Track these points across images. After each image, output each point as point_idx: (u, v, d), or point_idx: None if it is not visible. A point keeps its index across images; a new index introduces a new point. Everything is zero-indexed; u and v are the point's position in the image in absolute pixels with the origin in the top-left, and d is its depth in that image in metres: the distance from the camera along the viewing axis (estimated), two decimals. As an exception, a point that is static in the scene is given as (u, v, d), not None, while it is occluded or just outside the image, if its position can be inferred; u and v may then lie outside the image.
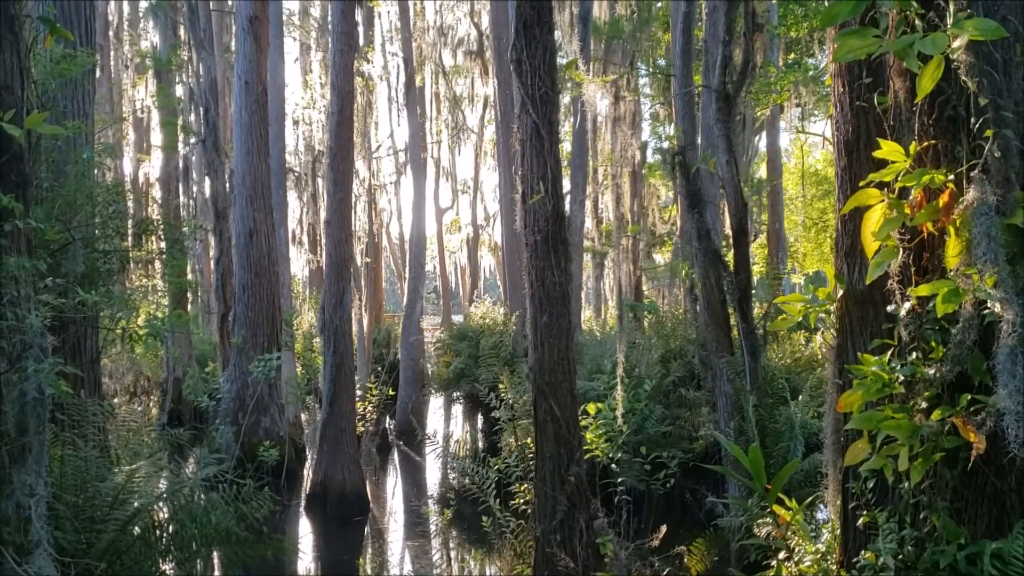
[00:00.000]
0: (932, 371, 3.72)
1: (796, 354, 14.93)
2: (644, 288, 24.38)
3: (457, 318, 28.83)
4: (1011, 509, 3.73)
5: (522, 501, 8.14)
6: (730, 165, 8.87)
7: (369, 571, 10.33)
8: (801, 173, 30.08)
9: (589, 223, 24.86)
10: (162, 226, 9.48)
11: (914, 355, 3.85)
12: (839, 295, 4.75)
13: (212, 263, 18.93)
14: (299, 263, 30.03)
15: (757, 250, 24.44)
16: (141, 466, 5.96)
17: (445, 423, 23.75)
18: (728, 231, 12.83)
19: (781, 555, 5.24)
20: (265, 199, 15.58)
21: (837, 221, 4.86)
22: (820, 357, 12.75)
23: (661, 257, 27.15)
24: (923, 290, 3.65)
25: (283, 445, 14.22)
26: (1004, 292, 3.35)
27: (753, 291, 10.06)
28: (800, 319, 4.98)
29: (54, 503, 5.08)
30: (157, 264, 11.67)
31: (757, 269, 22.24)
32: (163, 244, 10.00)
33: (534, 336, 6.92)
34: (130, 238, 8.65)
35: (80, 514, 5.36)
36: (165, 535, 5.86)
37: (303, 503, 12.98)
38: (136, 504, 5.62)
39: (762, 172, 26.01)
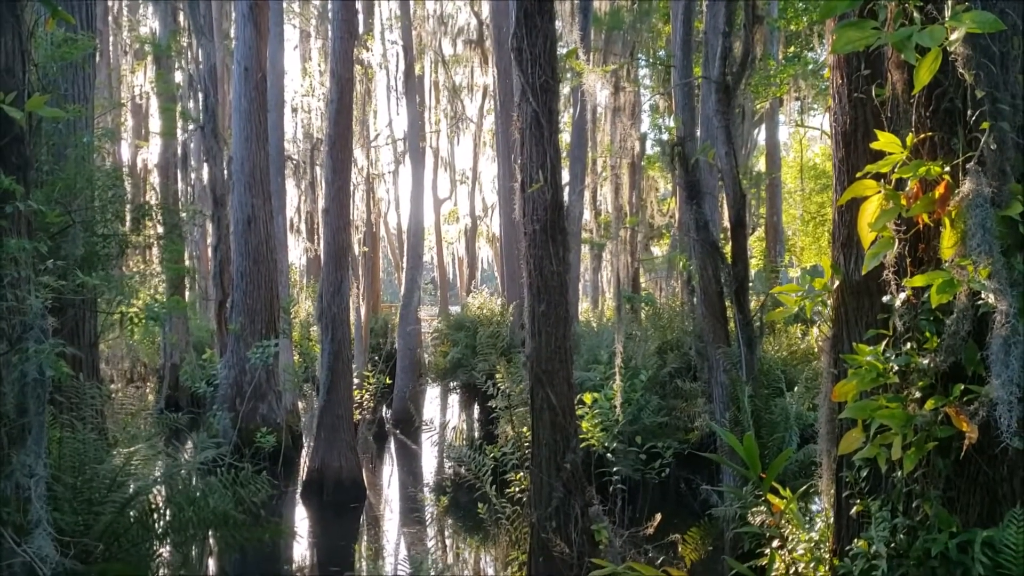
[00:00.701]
0: (926, 361, 3.75)
1: (792, 347, 15.00)
2: (641, 280, 24.42)
3: (454, 309, 28.86)
4: (1002, 498, 3.76)
5: (518, 489, 8.18)
6: (729, 156, 8.89)
7: (365, 557, 10.37)
8: (800, 167, 30.10)
9: (587, 215, 24.88)
10: (160, 211, 9.48)
11: (909, 345, 3.88)
12: (835, 286, 4.78)
13: (210, 250, 18.96)
14: (297, 252, 30.04)
15: (755, 243, 24.48)
16: (139, 449, 5.99)
17: (442, 412, 23.82)
18: (726, 223, 12.87)
19: (775, 543, 5.29)
20: (264, 186, 15.57)
21: (834, 212, 4.88)
22: (816, 350, 12.81)
23: (659, 250, 27.19)
24: (918, 281, 3.68)
25: (280, 432, 14.27)
26: (998, 283, 3.37)
27: (750, 284, 10.09)
28: (796, 310, 5.01)
29: (52, 484, 5.11)
30: (155, 250, 11.67)
31: (754, 262, 22.29)
32: (161, 229, 10.02)
33: (531, 325, 6.94)
34: (128, 223, 8.67)
35: (78, 496, 5.39)
36: (163, 519, 5.89)
37: (300, 489, 13.03)
38: (134, 487, 5.65)
39: (761, 165, 26.03)
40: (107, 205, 7.74)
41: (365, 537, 11.59)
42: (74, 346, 6.97)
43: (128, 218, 8.62)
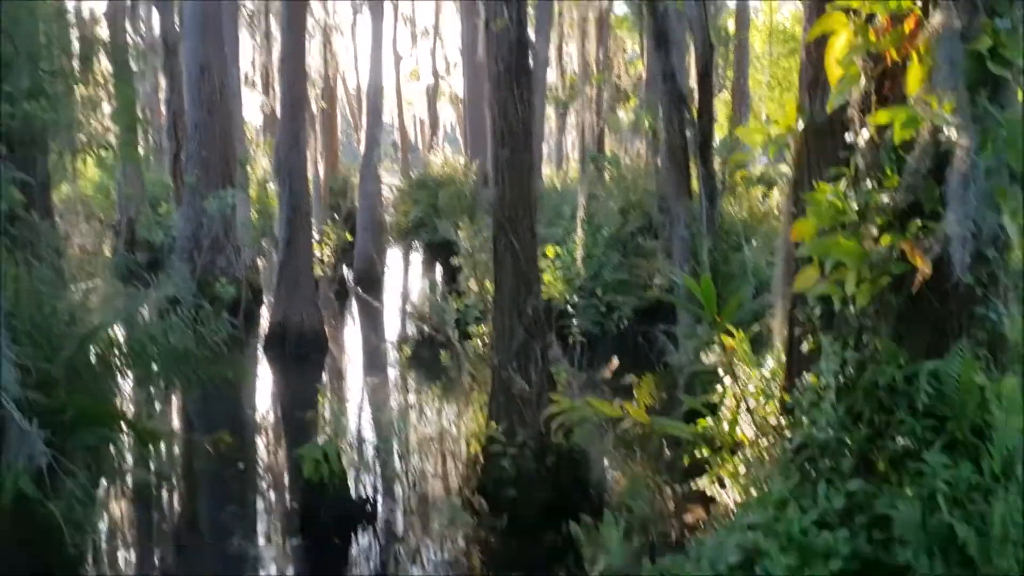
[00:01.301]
0: (886, 199, 3.78)
1: (753, 209, 15.10)
2: (606, 142, 24.23)
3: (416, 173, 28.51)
4: (950, 332, 3.87)
5: (480, 344, 8.28)
6: (699, 4, 8.69)
7: (329, 401, 10.55)
8: (768, 30, 29.59)
9: (552, 75, 24.36)
10: (110, 48, 9.08)
11: (869, 183, 3.90)
12: (799, 127, 4.76)
13: (163, 104, 18.40)
14: (253, 108, 29.18)
15: (720, 108, 24.25)
16: (98, 287, 5.94)
17: (404, 272, 23.88)
18: (693, 84, 12.71)
19: (727, 380, 5.45)
20: (216, 34, 14.98)
21: (802, 52, 4.82)
22: (776, 210, 12.92)
23: (624, 114, 26.89)
24: (882, 117, 3.67)
25: (239, 285, 14.21)
26: (961, 118, 3.38)
27: (714, 147, 10.05)
28: (759, 175, 5.01)
29: (10, 318, 5.06)
30: (105, 106, 11.23)
31: (719, 128, 22.14)
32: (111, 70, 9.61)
33: (496, 171, 6.89)
34: (77, 61, 8.30)
35: (37, 329, 5.35)
36: (124, 356, 5.89)
37: (262, 342, 13.12)
38: (94, 321, 5.62)
39: (731, 27, 25.51)
40: (52, 40, 7.39)
41: (329, 385, 11.78)
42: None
43: (76, 55, 8.26)
